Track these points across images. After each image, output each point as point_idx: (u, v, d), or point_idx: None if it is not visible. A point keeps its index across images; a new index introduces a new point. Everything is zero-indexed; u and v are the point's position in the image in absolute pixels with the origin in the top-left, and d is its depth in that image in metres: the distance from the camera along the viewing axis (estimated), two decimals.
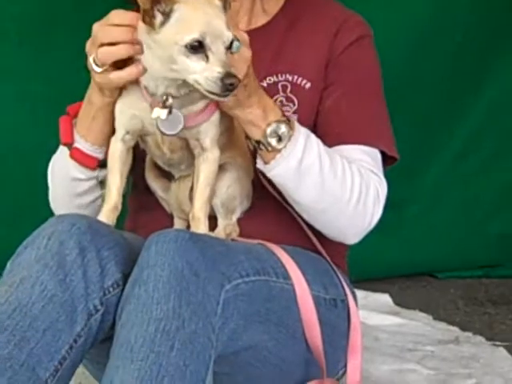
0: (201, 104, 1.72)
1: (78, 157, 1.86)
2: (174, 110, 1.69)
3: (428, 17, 3.22)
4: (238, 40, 1.64)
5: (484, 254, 3.66)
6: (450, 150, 3.51)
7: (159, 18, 1.59)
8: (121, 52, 1.66)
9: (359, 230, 1.93)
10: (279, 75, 2.01)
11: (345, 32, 2.02)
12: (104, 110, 1.80)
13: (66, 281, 1.58)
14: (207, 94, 1.59)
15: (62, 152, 1.90)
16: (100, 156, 1.87)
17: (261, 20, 2.07)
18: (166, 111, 1.68)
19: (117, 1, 1.73)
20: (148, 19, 1.60)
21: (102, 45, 1.66)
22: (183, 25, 1.58)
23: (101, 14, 1.71)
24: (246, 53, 1.68)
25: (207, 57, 1.57)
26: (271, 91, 1.97)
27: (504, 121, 3.51)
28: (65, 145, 1.88)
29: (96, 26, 1.69)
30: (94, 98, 1.79)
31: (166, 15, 1.58)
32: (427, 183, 3.51)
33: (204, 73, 1.57)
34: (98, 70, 1.69)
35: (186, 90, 1.67)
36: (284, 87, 2.00)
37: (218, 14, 1.61)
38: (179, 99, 1.69)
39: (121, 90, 1.75)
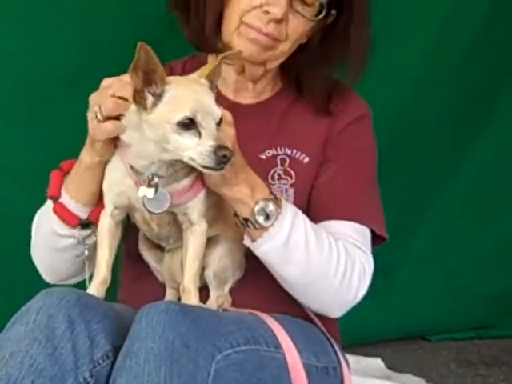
0: (186, 182, 1.74)
1: (61, 212, 1.87)
2: (160, 189, 1.71)
3: (418, 80, 3.25)
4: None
5: (476, 315, 3.64)
6: (439, 214, 3.52)
7: (150, 99, 1.62)
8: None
9: (343, 305, 1.96)
10: (278, 148, 2.04)
11: (345, 111, 2.06)
12: (93, 169, 1.81)
13: (55, 354, 1.58)
14: (202, 169, 1.62)
15: (48, 206, 1.91)
16: (82, 215, 1.87)
17: (266, 94, 2.10)
18: (152, 190, 1.70)
19: (105, 75, 1.74)
20: (139, 99, 1.62)
21: (113, 96, 1.68)
22: (175, 104, 1.61)
23: (92, 88, 1.74)
24: (230, 131, 1.71)
25: (199, 133, 1.60)
26: (270, 164, 2.02)
27: (492, 186, 3.52)
28: (51, 198, 1.89)
29: (108, 81, 1.72)
30: (84, 155, 1.81)
31: (158, 96, 1.62)
32: (417, 247, 3.51)
33: (197, 148, 1.59)
34: (101, 118, 1.69)
35: (173, 170, 1.70)
36: (283, 161, 2.03)
37: (207, 91, 1.65)
38: (165, 178, 1.71)
39: (111, 148, 1.76)
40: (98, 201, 1.86)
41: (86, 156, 1.80)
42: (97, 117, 1.69)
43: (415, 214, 3.46)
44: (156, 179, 1.70)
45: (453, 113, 3.35)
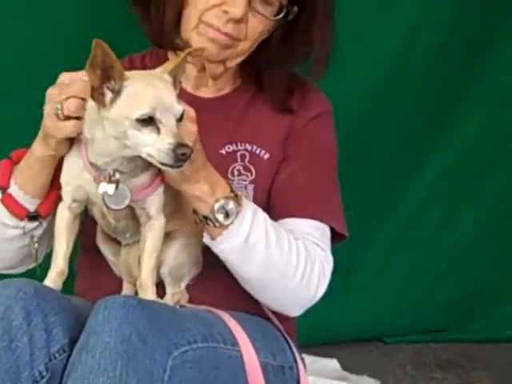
0: (146, 177, 1.73)
1: (9, 203, 1.85)
2: (120, 185, 1.69)
3: (380, 83, 3.27)
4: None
5: (432, 318, 3.67)
6: (399, 216, 3.55)
7: (109, 95, 1.60)
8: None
9: (302, 304, 1.96)
10: (239, 144, 2.03)
11: (306, 107, 2.06)
12: (44, 162, 1.79)
13: (11, 347, 1.57)
14: (161, 166, 1.60)
15: None
16: (30, 207, 1.85)
17: (227, 88, 2.09)
18: (113, 186, 1.69)
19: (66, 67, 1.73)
20: (97, 96, 1.61)
21: (76, 97, 1.66)
22: (133, 100, 1.59)
23: (53, 78, 1.72)
24: (191, 127, 1.69)
25: (158, 129, 1.58)
26: (230, 159, 2.01)
27: (452, 186, 3.56)
28: None
29: (68, 77, 1.70)
30: (36, 147, 1.78)
31: (116, 92, 1.60)
32: (375, 249, 3.54)
33: (156, 145, 1.57)
34: (61, 117, 1.67)
35: (134, 165, 1.69)
36: (243, 156, 2.03)
37: (168, 87, 1.63)
38: (125, 174, 1.70)
39: (67, 145, 1.74)
40: (48, 193, 1.84)
41: (38, 148, 1.78)
42: (57, 115, 1.67)
43: (376, 216, 3.48)
44: (117, 175, 1.68)
45: (415, 114, 3.39)
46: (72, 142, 1.74)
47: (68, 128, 1.68)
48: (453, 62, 3.36)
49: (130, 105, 1.59)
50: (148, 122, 1.57)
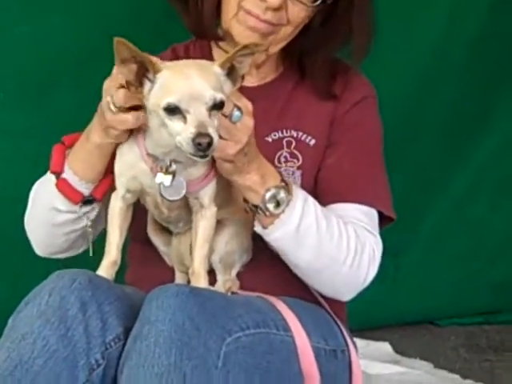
0: (203, 169, 1.74)
1: (64, 188, 1.86)
2: (177, 177, 1.70)
3: (426, 68, 3.25)
4: (239, 109, 1.66)
5: (484, 300, 3.65)
6: (449, 198, 3.52)
7: (148, 85, 1.62)
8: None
9: (353, 289, 1.96)
10: (284, 131, 2.04)
11: (350, 92, 2.06)
12: (101, 149, 1.80)
13: (67, 336, 1.59)
14: (188, 155, 1.59)
15: (49, 179, 1.89)
16: (86, 192, 1.86)
17: (270, 76, 2.10)
18: (169, 177, 1.69)
19: (112, 60, 1.74)
20: (135, 89, 1.63)
21: (122, 86, 1.67)
22: (163, 89, 1.60)
23: (101, 73, 1.74)
24: (248, 122, 1.69)
25: (185, 118, 1.57)
26: (276, 146, 2.02)
27: (503, 169, 3.53)
28: (53, 173, 1.88)
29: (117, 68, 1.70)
30: (94, 136, 1.79)
31: (153, 83, 1.61)
32: (426, 230, 3.52)
33: (182, 134, 1.57)
34: (114, 109, 1.68)
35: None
36: (289, 143, 2.03)
37: (204, 76, 1.61)
38: (182, 164, 1.70)
39: (128, 134, 1.75)
40: (103, 177, 1.86)
41: (96, 136, 1.78)
42: (110, 108, 1.68)
43: (425, 197, 3.46)
44: (174, 166, 1.69)
45: (463, 97, 3.35)
46: (131, 130, 1.74)
47: (129, 121, 1.69)
48: (498, 45, 3.32)
49: (160, 94, 1.60)
50: (175, 110, 1.57)
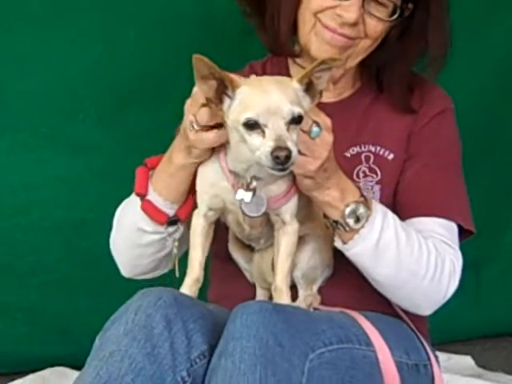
0: (283, 186, 1.75)
1: (149, 210, 1.89)
2: (257, 193, 1.71)
3: (503, 78, 3.20)
4: (318, 125, 1.67)
5: None
6: None
7: (227, 102, 1.64)
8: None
9: (433, 303, 1.96)
10: (362, 146, 2.05)
11: (428, 105, 2.06)
12: (185, 169, 1.83)
13: (153, 353, 1.61)
14: (268, 170, 1.60)
15: (134, 201, 1.93)
16: (171, 212, 1.89)
17: (348, 91, 2.11)
18: (250, 194, 1.71)
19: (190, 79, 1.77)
20: (214, 106, 1.65)
21: (204, 105, 1.69)
22: (242, 105, 1.62)
23: (177, 92, 1.77)
24: (327, 137, 1.70)
25: (264, 133, 1.58)
26: (354, 162, 2.03)
27: None
28: (138, 195, 1.91)
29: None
30: (176, 157, 1.82)
31: (232, 99, 1.63)
32: (507, 242, 3.44)
33: (261, 148, 1.58)
34: (197, 128, 1.71)
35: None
36: (367, 158, 2.04)
37: (283, 91, 1.62)
38: (262, 181, 1.72)
39: (210, 153, 1.77)
40: (186, 197, 1.89)
41: (179, 158, 1.81)
42: (193, 127, 1.71)
43: (506, 209, 3.39)
44: (254, 183, 1.71)
45: None
46: (213, 149, 1.77)
47: (211, 139, 1.71)
48: None
49: (240, 110, 1.61)
50: (254, 125, 1.59)
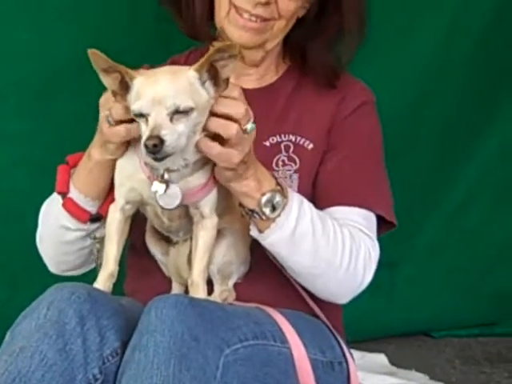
0: (202, 179, 1.74)
1: (71, 208, 1.88)
2: (171, 185, 1.70)
3: (423, 75, 3.25)
4: (254, 122, 1.68)
5: (480, 312, 3.64)
6: (444, 210, 3.52)
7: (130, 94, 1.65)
8: None
9: (350, 292, 1.97)
10: (283, 135, 2.05)
11: (349, 98, 2.08)
12: (102, 165, 1.82)
13: (65, 349, 1.59)
14: (145, 158, 1.62)
15: (55, 199, 1.92)
16: (92, 209, 1.89)
17: (270, 77, 2.12)
18: (163, 186, 1.70)
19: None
20: (119, 98, 1.66)
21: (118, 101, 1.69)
22: (135, 95, 1.62)
23: (100, 83, 1.74)
24: (255, 132, 1.71)
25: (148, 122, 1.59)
26: (274, 151, 2.03)
27: (498, 181, 3.53)
28: (59, 193, 1.90)
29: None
30: (94, 152, 1.82)
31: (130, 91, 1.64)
32: (421, 242, 3.51)
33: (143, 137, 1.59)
34: (112, 122, 1.70)
35: (184, 164, 1.70)
36: (287, 147, 2.04)
37: (171, 80, 1.62)
38: (178, 172, 1.71)
39: (125, 148, 1.77)
40: (108, 194, 1.87)
41: (96, 153, 1.81)
42: (109, 122, 1.70)
43: (421, 209, 3.46)
44: (166, 175, 1.70)
45: (462, 104, 3.35)
46: (129, 142, 1.76)
47: (122, 132, 1.71)
48: (498, 51, 3.32)
49: (133, 101, 1.62)
50: (142, 116, 1.60)
